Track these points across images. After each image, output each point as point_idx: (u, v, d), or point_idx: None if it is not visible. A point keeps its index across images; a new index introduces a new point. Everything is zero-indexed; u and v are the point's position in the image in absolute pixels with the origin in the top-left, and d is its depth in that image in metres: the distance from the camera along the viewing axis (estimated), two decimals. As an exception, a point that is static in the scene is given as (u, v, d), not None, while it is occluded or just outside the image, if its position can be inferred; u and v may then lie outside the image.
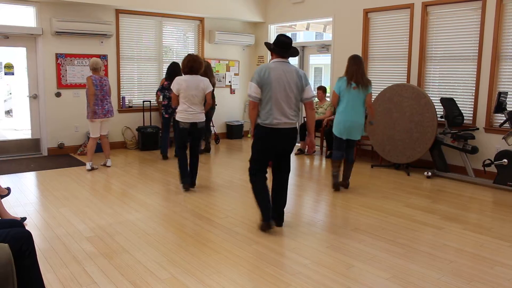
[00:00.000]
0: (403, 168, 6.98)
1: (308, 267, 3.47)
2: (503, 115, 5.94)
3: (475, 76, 6.50)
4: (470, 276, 3.36)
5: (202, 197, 5.40)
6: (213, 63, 9.73)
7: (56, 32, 7.58)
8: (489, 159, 5.98)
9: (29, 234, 2.50)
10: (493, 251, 3.85)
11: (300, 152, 8.34)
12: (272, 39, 10.10)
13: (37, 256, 2.57)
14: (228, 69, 10.05)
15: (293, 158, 7.99)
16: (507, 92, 5.92)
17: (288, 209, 4.99)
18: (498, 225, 4.51)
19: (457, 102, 6.56)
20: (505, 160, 5.74)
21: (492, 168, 6.07)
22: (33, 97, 7.90)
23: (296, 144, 9.06)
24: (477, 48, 6.46)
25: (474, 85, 6.53)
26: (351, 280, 3.26)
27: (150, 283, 3.17)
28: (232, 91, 10.19)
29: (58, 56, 7.80)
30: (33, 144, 8.03)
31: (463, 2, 6.59)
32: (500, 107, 5.82)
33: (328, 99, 8.56)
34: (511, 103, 6.10)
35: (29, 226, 4.29)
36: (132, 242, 3.93)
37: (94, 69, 6.60)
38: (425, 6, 6.99)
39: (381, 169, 7.04)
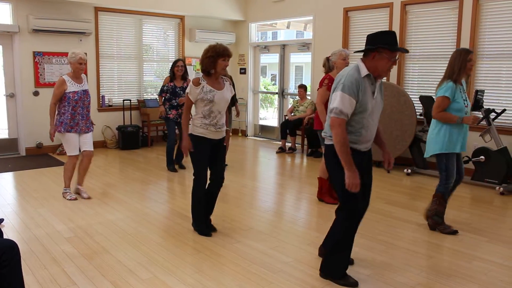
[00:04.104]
0: (383, 166, 7.05)
1: (290, 265, 3.48)
2: (480, 112, 6.04)
3: (453, 74, 6.60)
4: (449, 271, 3.42)
5: (183, 196, 5.38)
6: (193, 62, 9.70)
7: (33, 29, 7.44)
8: (467, 156, 6.09)
9: (12, 245, 2.43)
10: (471, 246, 3.91)
11: (281, 150, 8.36)
12: (253, 37, 10.09)
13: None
14: (209, 68, 10.00)
15: (273, 156, 8.00)
16: (484, 90, 6.02)
17: (269, 207, 5.01)
18: (476, 221, 4.59)
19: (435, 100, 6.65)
20: (482, 157, 5.85)
21: (470, 165, 6.18)
22: (10, 96, 7.75)
23: (277, 142, 9.07)
24: (455, 47, 6.55)
25: (452, 83, 6.63)
26: (333, 277, 3.28)
27: (131, 283, 3.14)
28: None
29: (35, 54, 7.66)
30: (10, 144, 7.88)
31: (440, 1, 6.68)
32: (477, 105, 5.91)
33: (309, 97, 8.59)
34: (487, 101, 6.22)
35: (6, 227, 4.21)
36: (112, 242, 3.89)
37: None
38: (404, 5, 7.07)
39: (361, 167, 7.10)
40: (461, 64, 4.03)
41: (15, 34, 7.51)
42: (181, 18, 9.44)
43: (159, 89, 9.31)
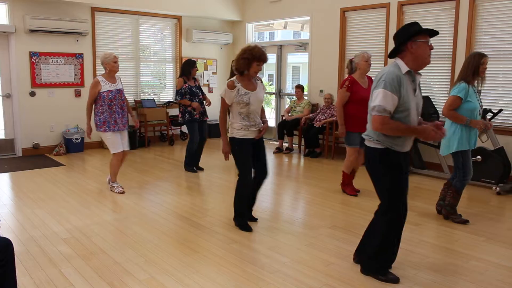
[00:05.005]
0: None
1: (287, 265, 3.48)
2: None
3: (450, 74, 6.62)
4: (446, 271, 3.42)
5: (180, 197, 5.37)
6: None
7: (30, 30, 7.42)
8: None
9: (7, 243, 2.42)
10: (468, 246, 3.92)
11: (278, 150, 8.36)
12: (250, 37, 10.09)
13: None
14: (206, 68, 10.02)
15: (271, 156, 8.00)
16: (481, 91, 6.03)
17: (266, 207, 5.00)
18: (473, 220, 4.59)
19: (432, 100, 6.67)
20: (479, 157, 5.86)
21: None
22: (6, 96, 7.73)
23: (274, 142, 9.07)
24: (452, 47, 6.57)
25: (449, 83, 6.65)
26: (330, 277, 3.28)
27: (128, 284, 3.13)
28: (210, 90, 10.15)
29: (32, 54, 7.64)
30: (7, 144, 7.85)
31: (437, 2, 6.70)
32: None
33: (306, 97, 8.60)
34: (484, 101, 6.23)
35: (2, 228, 4.19)
36: (109, 243, 3.88)
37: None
38: (401, 5, 7.08)
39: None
40: (474, 67, 4.23)
41: (11, 34, 7.49)
42: (178, 18, 9.43)
43: (156, 90, 9.40)
